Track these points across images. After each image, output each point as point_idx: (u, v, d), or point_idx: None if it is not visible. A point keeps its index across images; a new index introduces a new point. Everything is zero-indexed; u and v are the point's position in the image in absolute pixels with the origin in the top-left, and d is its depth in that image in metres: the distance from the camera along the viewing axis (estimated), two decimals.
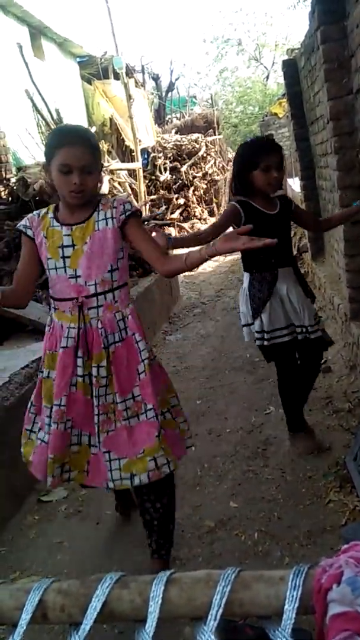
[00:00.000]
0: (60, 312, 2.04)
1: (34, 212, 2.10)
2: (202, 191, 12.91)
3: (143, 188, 9.53)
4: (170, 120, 18.90)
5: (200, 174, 12.88)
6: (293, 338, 2.74)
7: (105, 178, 6.96)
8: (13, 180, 6.26)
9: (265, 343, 2.73)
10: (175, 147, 12.71)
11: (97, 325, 2.00)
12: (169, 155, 12.24)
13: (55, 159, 1.89)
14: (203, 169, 13.24)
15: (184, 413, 2.28)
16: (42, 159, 7.75)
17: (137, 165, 9.49)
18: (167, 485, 2.15)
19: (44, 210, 2.08)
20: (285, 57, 7.89)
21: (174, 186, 11.90)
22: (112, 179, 7.61)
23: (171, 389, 2.21)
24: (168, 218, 10.82)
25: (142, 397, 2.02)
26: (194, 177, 12.68)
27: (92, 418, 2.02)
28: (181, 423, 2.21)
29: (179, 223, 11.16)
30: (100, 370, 1.99)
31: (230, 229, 2.59)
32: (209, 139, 14.86)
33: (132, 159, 10.01)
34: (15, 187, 5.92)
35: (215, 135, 15.94)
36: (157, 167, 11.55)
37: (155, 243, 2.09)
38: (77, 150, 1.89)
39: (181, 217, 11.64)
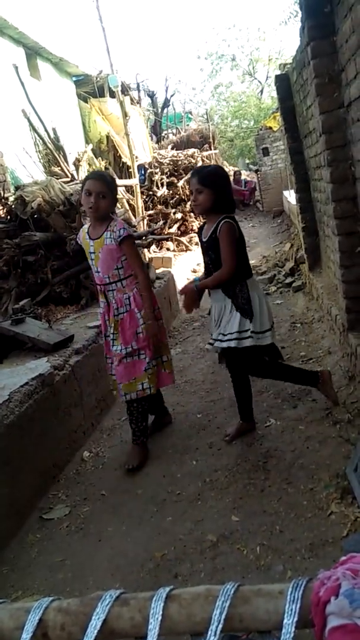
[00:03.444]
0: (98, 292, 3.29)
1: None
2: None
3: (140, 203, 9.59)
4: (166, 136, 19.08)
5: None
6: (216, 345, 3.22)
7: None
8: (11, 199, 6.31)
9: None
10: (171, 163, 12.80)
11: (112, 302, 3.19)
12: (165, 171, 12.32)
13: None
14: None
15: (171, 361, 3.51)
16: (39, 177, 7.78)
17: (134, 181, 9.56)
18: (144, 399, 3.32)
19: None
20: (279, 72, 7.98)
21: (171, 201, 11.95)
22: None
23: (166, 349, 3.45)
24: (166, 232, 10.86)
25: (138, 347, 3.21)
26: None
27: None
28: (167, 365, 3.42)
29: (176, 237, 11.19)
30: (110, 329, 3.24)
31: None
32: (205, 153, 14.97)
33: (129, 176, 10.09)
34: (13, 206, 5.96)
35: (211, 149, 16.07)
36: (154, 182, 11.62)
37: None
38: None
39: (179, 232, 11.68)
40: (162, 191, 11.66)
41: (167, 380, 3.45)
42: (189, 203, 12.46)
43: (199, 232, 3.18)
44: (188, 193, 12.42)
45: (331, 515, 2.41)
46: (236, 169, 20.99)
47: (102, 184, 3.08)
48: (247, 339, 3.00)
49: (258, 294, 3.08)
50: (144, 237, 7.42)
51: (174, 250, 10.48)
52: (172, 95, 21.88)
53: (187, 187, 12.54)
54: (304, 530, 2.37)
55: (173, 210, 11.76)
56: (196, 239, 11.76)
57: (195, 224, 12.29)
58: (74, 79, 13.10)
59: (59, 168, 7.55)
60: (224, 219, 2.93)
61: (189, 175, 3.14)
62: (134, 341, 3.20)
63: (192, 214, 12.44)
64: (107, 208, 3.13)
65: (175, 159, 13.05)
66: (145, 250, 7.97)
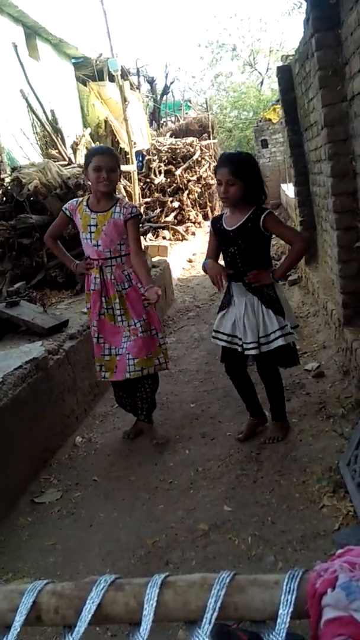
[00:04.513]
0: (93, 267, 3.15)
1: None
2: (196, 195, 12.91)
3: (138, 190, 9.52)
4: (165, 124, 18.93)
5: (194, 178, 12.88)
6: (232, 347, 3.02)
7: None
8: (7, 180, 6.25)
9: (212, 339, 3.17)
10: (170, 151, 12.69)
11: (110, 278, 3.12)
12: (163, 159, 12.21)
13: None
14: (197, 172, 13.24)
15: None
16: (36, 159, 7.71)
17: (132, 167, 9.48)
18: (156, 375, 3.36)
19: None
20: (280, 63, 7.93)
21: (168, 189, 11.87)
22: None
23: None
24: (162, 221, 10.80)
25: (149, 321, 3.19)
26: (189, 181, 12.67)
27: (117, 335, 3.20)
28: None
29: (173, 226, 11.15)
30: (115, 305, 3.16)
31: None
32: (204, 143, 14.87)
33: (127, 162, 10.00)
34: (9, 187, 5.90)
35: (209, 139, 15.97)
36: (152, 170, 11.52)
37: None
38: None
39: (175, 220, 11.62)
40: (160, 179, 11.58)
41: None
42: (186, 192, 12.42)
43: (217, 221, 2.99)
44: (194, 186, 12.39)
45: (323, 509, 2.42)
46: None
47: (111, 158, 3.06)
48: (289, 335, 2.90)
49: (282, 292, 3.02)
50: (140, 225, 7.38)
51: (170, 239, 10.44)
52: (171, 83, 21.66)
53: (185, 175, 12.48)
54: (296, 523, 2.39)
55: (170, 198, 11.70)
56: (193, 228, 11.74)
57: (192, 214, 12.25)
58: (73, 61, 12.95)
59: (57, 151, 7.49)
60: (266, 211, 2.83)
61: (218, 163, 2.84)
62: (144, 313, 3.17)
63: (189, 203, 12.38)
64: (117, 181, 3.13)
65: (173, 146, 12.95)
66: (142, 238, 7.93)
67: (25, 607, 0.73)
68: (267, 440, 3.11)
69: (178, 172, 12.23)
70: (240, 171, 2.74)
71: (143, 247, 7.38)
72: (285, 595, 0.67)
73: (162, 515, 2.65)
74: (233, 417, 3.56)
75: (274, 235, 2.98)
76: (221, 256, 3.07)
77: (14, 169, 6.33)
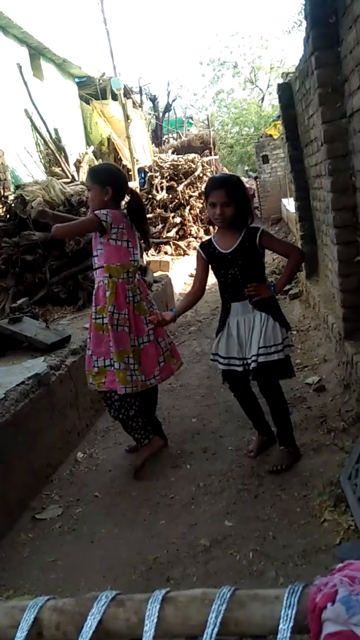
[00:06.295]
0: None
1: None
2: (198, 210, 13.00)
3: None
4: (167, 141, 19.14)
5: (196, 194, 12.97)
6: (230, 369, 3.02)
7: None
8: (11, 197, 6.31)
9: (210, 361, 3.24)
10: (171, 167, 12.81)
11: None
12: (165, 175, 12.33)
13: None
14: (199, 188, 13.34)
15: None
16: (40, 177, 7.81)
17: (134, 184, 9.58)
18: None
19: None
20: (280, 80, 8.03)
21: (170, 205, 11.95)
22: None
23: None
24: (164, 236, 10.87)
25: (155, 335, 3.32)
26: (190, 197, 12.76)
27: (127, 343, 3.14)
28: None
29: (174, 241, 11.21)
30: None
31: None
32: (205, 159, 15.01)
33: (130, 178, 10.10)
34: (13, 205, 5.96)
35: (211, 155, 16.13)
36: (154, 186, 11.62)
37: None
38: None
39: (177, 236, 11.69)
40: (162, 195, 11.67)
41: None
42: (187, 208, 12.50)
43: (208, 245, 2.98)
44: (195, 202, 12.46)
45: (324, 523, 2.41)
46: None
47: (87, 178, 3.22)
48: (288, 347, 2.92)
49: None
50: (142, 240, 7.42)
51: (171, 254, 10.49)
52: (173, 100, 21.98)
53: (186, 191, 12.56)
54: (297, 537, 2.38)
55: (172, 214, 11.77)
56: (195, 243, 11.78)
57: (194, 229, 12.31)
58: (77, 80, 13.14)
59: (60, 168, 7.57)
60: (259, 229, 2.90)
61: (211, 186, 2.88)
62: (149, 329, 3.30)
63: (190, 219, 12.45)
64: (92, 198, 3.18)
65: (175, 163, 13.07)
66: (144, 253, 7.98)
67: (27, 624, 0.73)
68: (272, 468, 2.96)
69: (180, 188, 12.33)
70: (234, 193, 2.82)
71: (145, 263, 7.45)
72: (286, 610, 0.68)
73: (164, 531, 2.63)
74: (234, 432, 3.55)
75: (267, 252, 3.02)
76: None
77: (17, 187, 6.40)
